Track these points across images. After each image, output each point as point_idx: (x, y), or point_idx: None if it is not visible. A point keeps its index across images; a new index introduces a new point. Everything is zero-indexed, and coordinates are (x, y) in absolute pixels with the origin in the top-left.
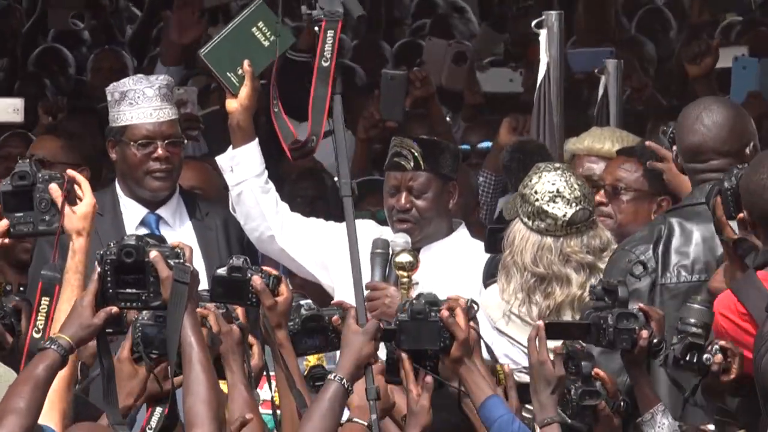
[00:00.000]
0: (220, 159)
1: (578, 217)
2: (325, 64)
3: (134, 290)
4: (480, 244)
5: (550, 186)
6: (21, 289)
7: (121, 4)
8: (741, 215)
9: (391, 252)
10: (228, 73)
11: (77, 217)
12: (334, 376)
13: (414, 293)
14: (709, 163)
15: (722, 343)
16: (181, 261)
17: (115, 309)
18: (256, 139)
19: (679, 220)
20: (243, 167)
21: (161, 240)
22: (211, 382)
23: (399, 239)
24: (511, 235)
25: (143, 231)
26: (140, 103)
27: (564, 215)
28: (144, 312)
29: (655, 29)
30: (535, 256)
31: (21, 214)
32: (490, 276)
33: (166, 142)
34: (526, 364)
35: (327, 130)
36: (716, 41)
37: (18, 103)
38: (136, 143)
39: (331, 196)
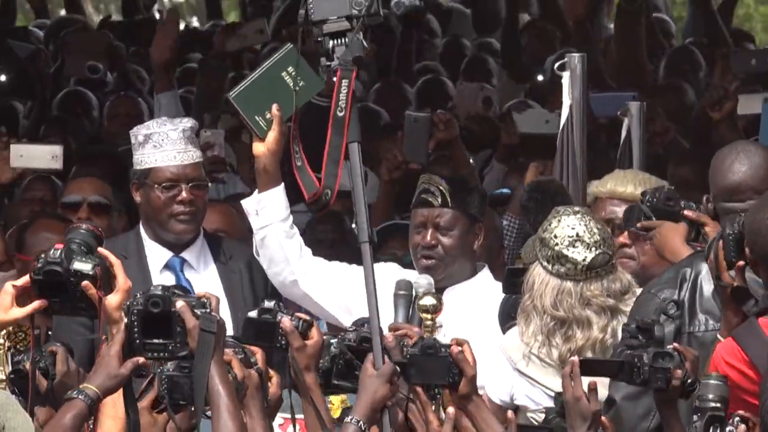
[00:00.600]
0: (245, 202)
1: (598, 262)
2: (341, 114)
3: (161, 340)
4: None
5: (569, 230)
6: (49, 333)
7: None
8: (740, 263)
9: (414, 293)
10: (256, 117)
11: (113, 307)
12: (351, 419)
13: (438, 335)
14: (747, 202)
15: (741, 413)
16: (208, 311)
17: (141, 359)
18: (282, 184)
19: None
20: (268, 211)
21: (186, 291)
22: (239, 429)
23: (422, 280)
24: (531, 279)
25: (168, 274)
26: (164, 145)
27: (584, 260)
28: (168, 362)
29: (684, 70)
30: (554, 300)
31: (57, 299)
32: (507, 318)
33: (190, 185)
34: (547, 404)
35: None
36: (735, 85)
37: (57, 150)
38: (160, 186)
39: (351, 239)
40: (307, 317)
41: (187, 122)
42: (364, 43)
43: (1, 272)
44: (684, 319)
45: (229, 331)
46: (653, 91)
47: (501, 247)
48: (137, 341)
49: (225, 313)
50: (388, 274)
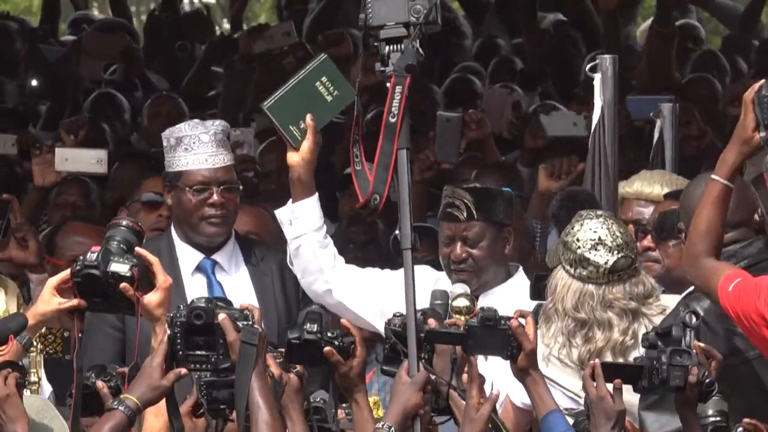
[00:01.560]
0: (279, 212)
1: (620, 265)
2: (392, 120)
3: (204, 352)
4: None
5: (591, 234)
6: (80, 335)
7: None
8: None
9: (449, 301)
10: (291, 127)
11: (154, 305)
12: (383, 425)
13: None
14: (726, 236)
15: (746, 420)
16: (250, 323)
17: (184, 371)
18: (316, 194)
19: None
20: (302, 221)
21: (229, 303)
22: None
23: (458, 289)
24: (553, 283)
25: (199, 276)
26: (196, 149)
27: (606, 263)
28: None
29: (711, 74)
30: (576, 303)
31: (98, 299)
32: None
33: (221, 188)
34: (567, 405)
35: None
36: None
37: (102, 154)
38: (191, 189)
39: (383, 240)
40: (351, 335)
41: (219, 125)
42: (420, 51)
43: (34, 275)
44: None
45: None
46: (683, 87)
47: (532, 248)
48: (180, 353)
49: None
50: (422, 276)
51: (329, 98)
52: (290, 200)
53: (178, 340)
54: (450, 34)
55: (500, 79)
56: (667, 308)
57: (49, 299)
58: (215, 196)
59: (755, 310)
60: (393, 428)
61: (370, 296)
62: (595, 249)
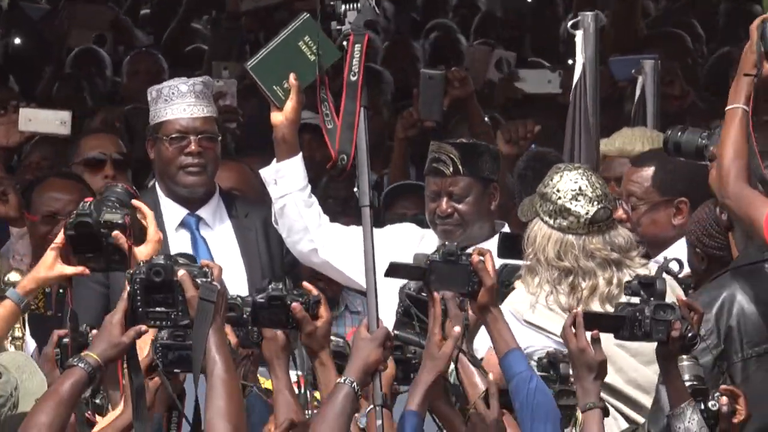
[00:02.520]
0: (263, 172)
1: (600, 216)
2: (353, 78)
3: (163, 309)
4: None
5: (572, 184)
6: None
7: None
8: None
9: None
10: (274, 87)
11: (143, 258)
12: (344, 380)
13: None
14: None
15: (723, 387)
16: (209, 280)
17: (144, 327)
18: (300, 153)
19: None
20: (287, 180)
21: (191, 259)
22: (232, 397)
23: None
24: (532, 234)
25: (183, 232)
26: (174, 99)
27: (586, 213)
28: (163, 330)
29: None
30: (558, 252)
31: (90, 254)
32: (503, 286)
33: (199, 137)
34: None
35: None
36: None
37: (65, 115)
38: (168, 137)
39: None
40: (315, 292)
41: (201, 78)
42: (376, 9)
43: (15, 228)
44: (726, 346)
45: (245, 288)
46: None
47: (513, 205)
48: (140, 309)
49: (240, 270)
50: (406, 234)
51: (312, 57)
52: (274, 160)
53: (138, 297)
54: None
55: (482, 36)
56: (649, 262)
57: (51, 264)
58: (192, 146)
59: None
60: (354, 383)
61: (356, 254)
62: (576, 199)
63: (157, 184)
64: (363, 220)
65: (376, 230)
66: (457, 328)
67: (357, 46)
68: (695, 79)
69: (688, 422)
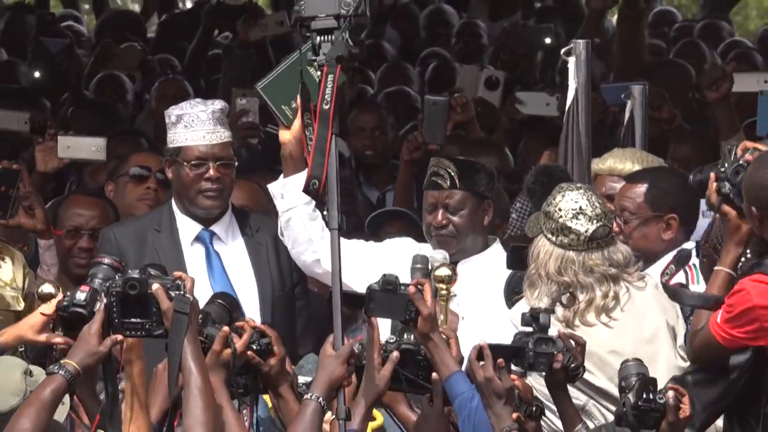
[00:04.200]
0: (271, 186)
1: (599, 233)
2: (326, 107)
3: (138, 320)
4: None
5: (573, 204)
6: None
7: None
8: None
9: (430, 267)
10: (282, 106)
11: (126, 348)
12: (311, 395)
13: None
14: None
15: (670, 384)
16: (182, 292)
17: (120, 337)
18: (306, 169)
19: None
20: (293, 195)
21: (162, 270)
22: (209, 405)
23: (438, 255)
24: (536, 251)
25: (198, 246)
26: (195, 126)
27: (586, 231)
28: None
29: (690, 63)
30: (559, 267)
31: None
32: (511, 293)
33: (218, 163)
34: None
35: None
36: (731, 65)
37: (100, 142)
38: (189, 163)
39: (362, 211)
40: (267, 335)
41: (218, 104)
42: (350, 42)
43: (42, 240)
44: None
45: (255, 300)
46: (654, 70)
47: (502, 221)
48: (116, 320)
49: (252, 282)
50: (404, 247)
51: (317, 76)
52: (281, 175)
53: (114, 309)
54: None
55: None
56: (647, 275)
57: (40, 329)
58: (211, 171)
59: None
60: (320, 398)
61: (357, 266)
62: (576, 218)
63: (173, 200)
64: (331, 243)
65: (375, 244)
66: (395, 353)
67: (330, 77)
68: (690, 109)
69: None
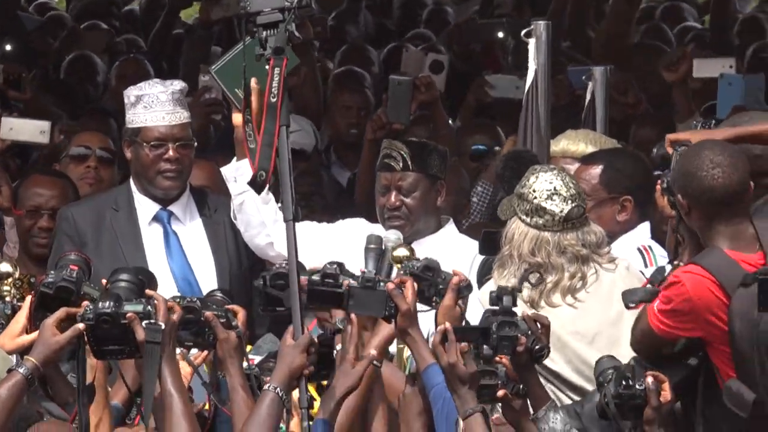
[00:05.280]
0: (224, 170)
1: (573, 214)
2: (273, 100)
3: (117, 346)
4: (467, 239)
5: (547, 185)
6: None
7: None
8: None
9: (384, 247)
10: (236, 89)
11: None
12: (269, 386)
13: None
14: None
15: (649, 372)
16: (152, 321)
17: (81, 326)
18: None
19: None
20: (246, 178)
21: (136, 276)
22: (192, 427)
23: (391, 235)
24: (510, 232)
25: (156, 226)
26: (154, 107)
27: (561, 211)
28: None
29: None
30: (533, 248)
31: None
32: (483, 276)
33: (177, 144)
34: None
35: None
36: (690, 47)
37: (45, 125)
38: (149, 144)
39: (327, 191)
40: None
41: (177, 85)
42: (295, 33)
43: (8, 218)
44: None
45: (213, 279)
46: (628, 56)
47: (467, 202)
48: (95, 347)
49: (210, 262)
50: (357, 228)
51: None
52: (234, 158)
53: (92, 338)
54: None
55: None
56: (617, 258)
57: (15, 335)
58: (171, 152)
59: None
60: (278, 388)
61: (310, 248)
62: (551, 199)
63: (132, 180)
64: (287, 233)
65: (327, 225)
66: (373, 351)
67: (276, 70)
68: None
69: (552, 423)
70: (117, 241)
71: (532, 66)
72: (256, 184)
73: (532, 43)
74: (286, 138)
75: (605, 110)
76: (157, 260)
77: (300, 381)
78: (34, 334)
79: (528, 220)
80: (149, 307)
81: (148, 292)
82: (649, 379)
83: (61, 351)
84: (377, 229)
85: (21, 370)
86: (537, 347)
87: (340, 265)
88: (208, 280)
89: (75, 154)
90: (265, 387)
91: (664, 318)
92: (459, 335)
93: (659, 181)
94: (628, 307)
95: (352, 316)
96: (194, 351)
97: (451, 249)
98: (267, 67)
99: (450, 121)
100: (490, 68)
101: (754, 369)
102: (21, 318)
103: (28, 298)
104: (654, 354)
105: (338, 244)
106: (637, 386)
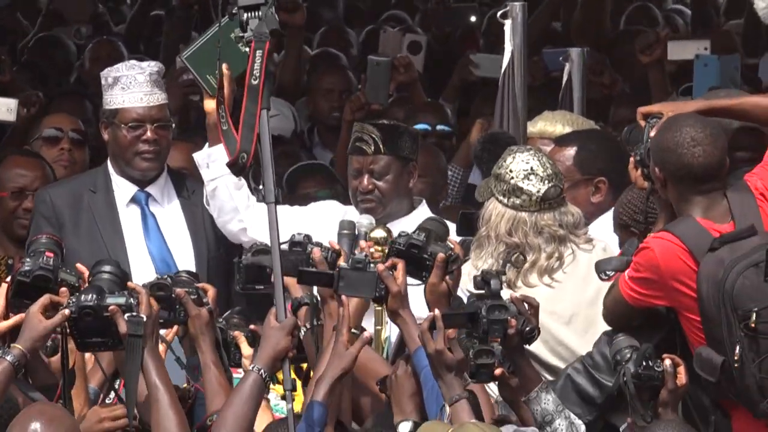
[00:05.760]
0: (197, 155)
1: (551, 194)
2: (255, 83)
3: (99, 339)
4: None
5: (524, 165)
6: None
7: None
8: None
9: (356, 232)
10: (207, 76)
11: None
12: (253, 367)
13: None
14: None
15: (665, 355)
16: (134, 314)
17: (67, 312)
18: None
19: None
20: (218, 164)
21: (120, 277)
22: (179, 418)
23: (364, 220)
24: (487, 213)
25: (134, 207)
26: (132, 88)
27: (538, 191)
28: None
29: (642, 26)
30: (510, 228)
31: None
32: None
33: (155, 125)
34: None
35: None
36: (665, 32)
37: (12, 103)
38: (126, 125)
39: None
40: (336, 246)
41: (154, 66)
42: (276, 17)
43: None
44: None
45: (192, 260)
46: (608, 42)
47: (445, 184)
48: (78, 339)
49: (187, 243)
50: (330, 211)
51: (243, 49)
52: (206, 144)
53: (75, 331)
54: None
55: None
56: (594, 239)
57: (36, 325)
58: (149, 133)
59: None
60: (262, 370)
61: (282, 231)
62: (528, 179)
63: (109, 162)
64: (269, 216)
65: (300, 208)
66: (366, 334)
67: (258, 52)
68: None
69: (544, 404)
70: (95, 222)
71: (508, 47)
72: (237, 167)
73: (507, 24)
74: (267, 121)
75: (582, 91)
76: (135, 242)
77: (284, 363)
78: (12, 319)
79: (505, 200)
80: (131, 299)
81: (129, 284)
82: (667, 362)
83: (47, 337)
84: (350, 211)
85: (8, 358)
86: (527, 329)
87: (308, 236)
88: (186, 261)
89: (47, 136)
90: (249, 367)
91: (635, 285)
92: (447, 322)
93: (632, 154)
94: (601, 278)
95: (344, 297)
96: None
97: None
98: (247, 50)
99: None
100: (472, 49)
101: (722, 331)
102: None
103: (4, 285)
104: (625, 324)
105: (310, 226)
106: (656, 368)
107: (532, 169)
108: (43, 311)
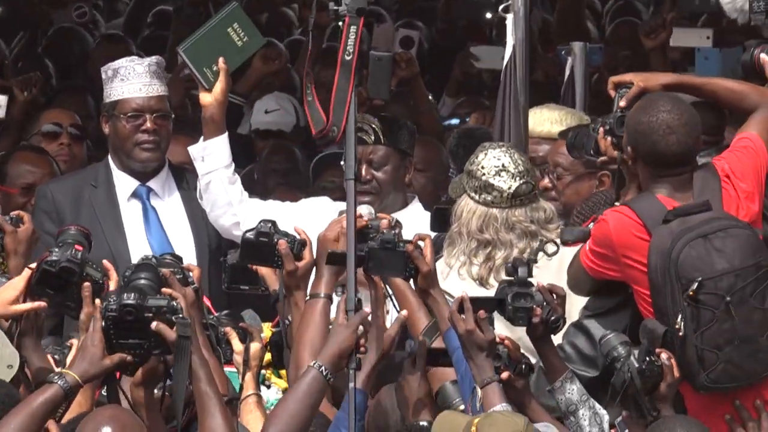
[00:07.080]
0: (191, 149)
1: (522, 190)
2: (348, 58)
3: (136, 341)
4: None
5: (495, 161)
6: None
7: None
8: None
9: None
10: (204, 69)
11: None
12: (314, 363)
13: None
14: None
15: (659, 350)
16: (181, 315)
17: (129, 358)
18: (226, 133)
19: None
20: (213, 158)
21: (157, 283)
22: (230, 427)
23: (363, 209)
24: (459, 210)
25: (135, 202)
26: (131, 79)
27: (509, 188)
28: None
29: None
30: (482, 225)
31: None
32: (435, 253)
33: (154, 115)
34: None
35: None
36: (671, 16)
37: (2, 99)
38: (126, 116)
39: (302, 168)
40: (302, 236)
41: (154, 58)
42: None
43: None
44: None
45: (193, 253)
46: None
47: (446, 178)
48: (114, 341)
49: (188, 237)
50: (320, 207)
51: (240, 43)
52: (201, 138)
53: (111, 331)
54: None
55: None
56: None
57: (10, 302)
58: (148, 123)
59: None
60: (323, 367)
61: None
62: (499, 175)
63: (110, 157)
64: (347, 192)
65: (290, 204)
66: (404, 312)
67: (353, 28)
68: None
69: (568, 393)
70: (96, 217)
71: (510, 41)
72: (326, 138)
73: (510, 17)
74: (354, 98)
75: (584, 85)
76: (136, 236)
77: (350, 360)
78: (28, 305)
79: (476, 197)
80: (173, 302)
81: (165, 290)
82: (664, 356)
83: (106, 372)
84: (341, 207)
85: (60, 383)
86: (553, 318)
87: (273, 223)
88: (187, 255)
89: (46, 131)
90: (310, 363)
91: (593, 257)
92: (475, 305)
93: (601, 124)
94: (564, 244)
95: (376, 279)
96: None
97: (418, 226)
98: (341, 24)
99: (430, 97)
100: (477, 42)
101: (667, 301)
102: (18, 285)
103: (27, 270)
104: (588, 293)
105: (301, 222)
106: (656, 363)
107: (503, 165)
108: (103, 341)
